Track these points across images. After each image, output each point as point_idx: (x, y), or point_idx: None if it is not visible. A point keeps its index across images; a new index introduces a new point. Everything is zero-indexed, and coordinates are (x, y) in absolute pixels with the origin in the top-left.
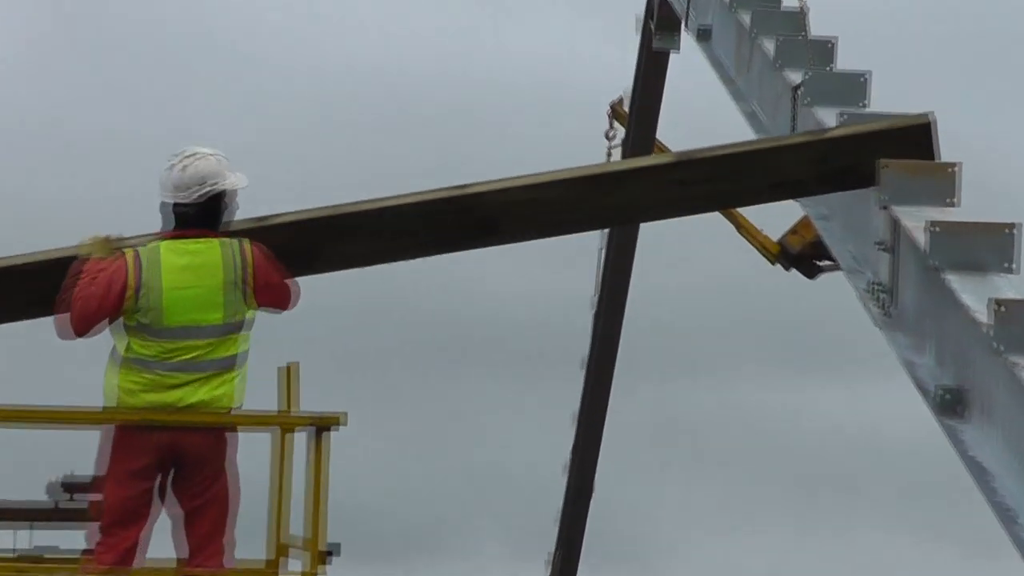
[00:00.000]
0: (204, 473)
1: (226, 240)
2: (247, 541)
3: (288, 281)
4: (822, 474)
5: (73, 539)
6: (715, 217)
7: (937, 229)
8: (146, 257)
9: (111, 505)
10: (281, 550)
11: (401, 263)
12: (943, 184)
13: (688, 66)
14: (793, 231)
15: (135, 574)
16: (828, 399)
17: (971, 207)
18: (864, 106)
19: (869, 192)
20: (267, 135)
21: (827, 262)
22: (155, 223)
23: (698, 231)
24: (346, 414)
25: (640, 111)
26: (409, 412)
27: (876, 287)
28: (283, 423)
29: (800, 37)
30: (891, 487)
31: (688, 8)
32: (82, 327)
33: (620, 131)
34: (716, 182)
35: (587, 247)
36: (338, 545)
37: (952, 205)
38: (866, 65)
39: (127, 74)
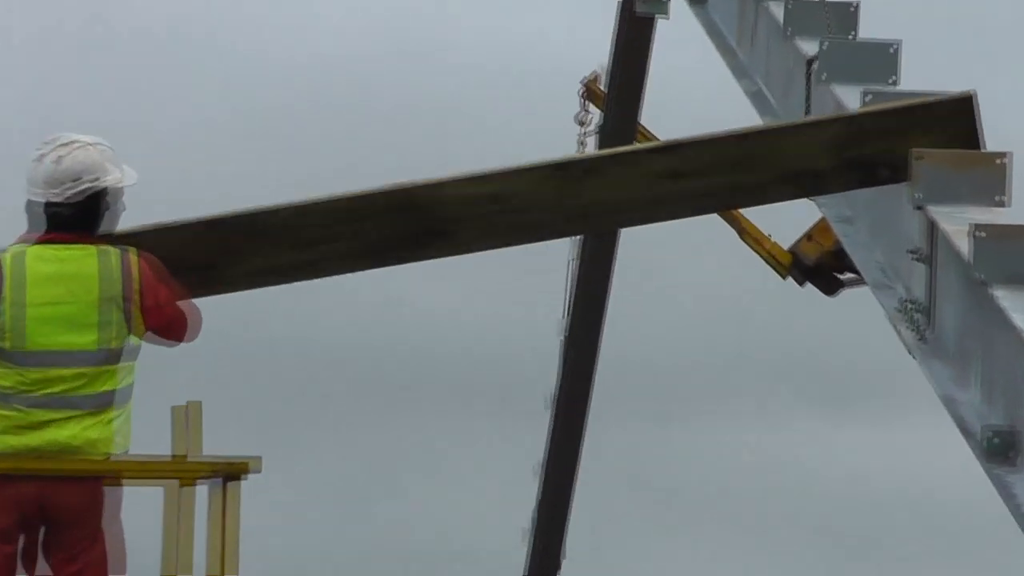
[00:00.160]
0: (79, 533)
1: (106, 248)
2: None
3: (185, 304)
4: (843, 533)
5: None
6: (713, 221)
7: (983, 234)
8: (10, 265)
9: None
10: None
11: (326, 279)
12: (991, 178)
13: (679, 35)
14: (808, 237)
15: None
16: (851, 443)
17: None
18: (893, 83)
19: (900, 189)
20: (191, 129)
21: (849, 275)
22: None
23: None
24: (260, 459)
25: (620, 90)
26: (332, 462)
27: (909, 305)
28: (181, 472)
29: None
30: (926, 548)
31: None
32: None
33: (596, 115)
34: (713, 176)
35: (555, 258)
36: None
37: (1001, 204)
38: (896, 33)
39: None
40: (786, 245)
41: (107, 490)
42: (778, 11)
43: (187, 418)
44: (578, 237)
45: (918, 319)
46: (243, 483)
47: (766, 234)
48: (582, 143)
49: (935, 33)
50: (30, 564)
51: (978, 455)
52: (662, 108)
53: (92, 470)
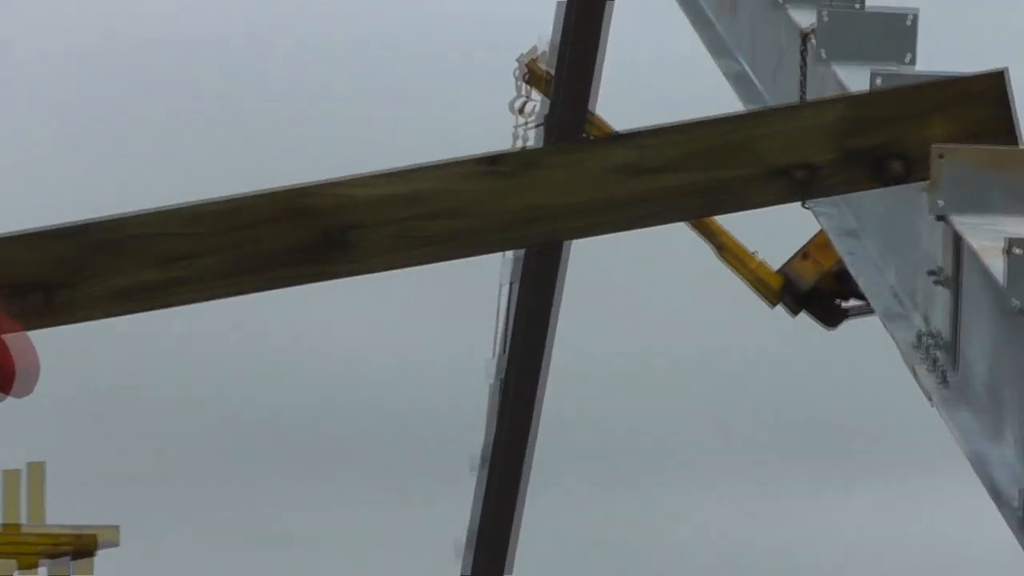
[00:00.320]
0: None
1: None
2: None
3: (15, 342)
4: None
5: None
6: (684, 234)
7: (1021, 251)
8: None
9: None
10: None
11: (200, 305)
12: None
13: (642, 5)
14: (804, 255)
15: None
16: (857, 510)
17: None
18: (910, 62)
19: (918, 193)
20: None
21: (854, 302)
22: None
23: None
24: (117, 530)
25: (569, 72)
26: (206, 535)
27: (929, 340)
28: (16, 547)
29: None
30: None
31: None
32: None
33: (539, 102)
34: (685, 174)
35: (486, 281)
36: None
37: None
38: (913, 1)
39: None
40: (776, 265)
41: None
42: None
43: (26, 482)
44: (515, 254)
45: (940, 357)
46: (95, 560)
47: (751, 251)
48: (521, 137)
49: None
50: None
51: (1013, 525)
52: (622, 95)
53: None
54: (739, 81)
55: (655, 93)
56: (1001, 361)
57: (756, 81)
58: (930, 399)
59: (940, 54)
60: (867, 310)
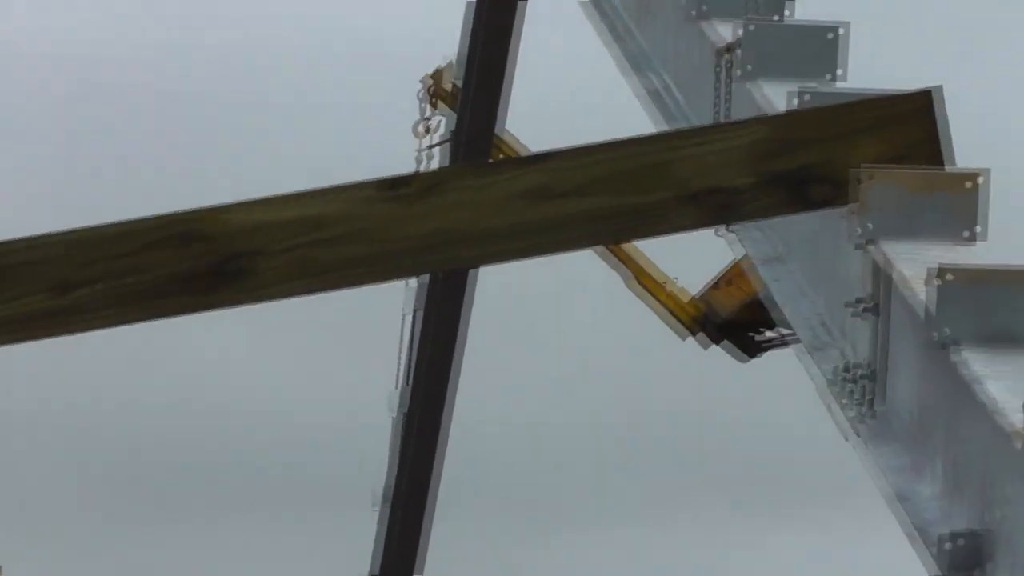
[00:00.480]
0: None
1: None
2: None
3: None
4: None
5: None
6: (593, 261)
7: (949, 278)
8: None
9: None
10: None
11: (81, 335)
12: (959, 206)
13: (556, 18)
14: (727, 281)
15: None
16: (773, 554)
17: (1001, 241)
18: (835, 79)
19: (841, 218)
20: None
21: (774, 333)
22: None
23: (567, 284)
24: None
25: (476, 89)
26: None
27: (850, 373)
28: None
29: None
30: None
31: None
32: None
33: (445, 120)
34: (596, 198)
35: (387, 311)
36: None
37: (973, 240)
38: (840, 13)
39: None
40: (693, 292)
41: None
42: None
43: None
44: (420, 281)
45: (862, 390)
46: None
47: (668, 278)
48: (424, 158)
49: (897, 14)
50: None
51: (935, 567)
52: (533, 113)
53: None
54: (655, 99)
55: (573, 110)
56: (928, 393)
57: (674, 99)
58: (846, 436)
59: (873, 70)
60: (789, 341)
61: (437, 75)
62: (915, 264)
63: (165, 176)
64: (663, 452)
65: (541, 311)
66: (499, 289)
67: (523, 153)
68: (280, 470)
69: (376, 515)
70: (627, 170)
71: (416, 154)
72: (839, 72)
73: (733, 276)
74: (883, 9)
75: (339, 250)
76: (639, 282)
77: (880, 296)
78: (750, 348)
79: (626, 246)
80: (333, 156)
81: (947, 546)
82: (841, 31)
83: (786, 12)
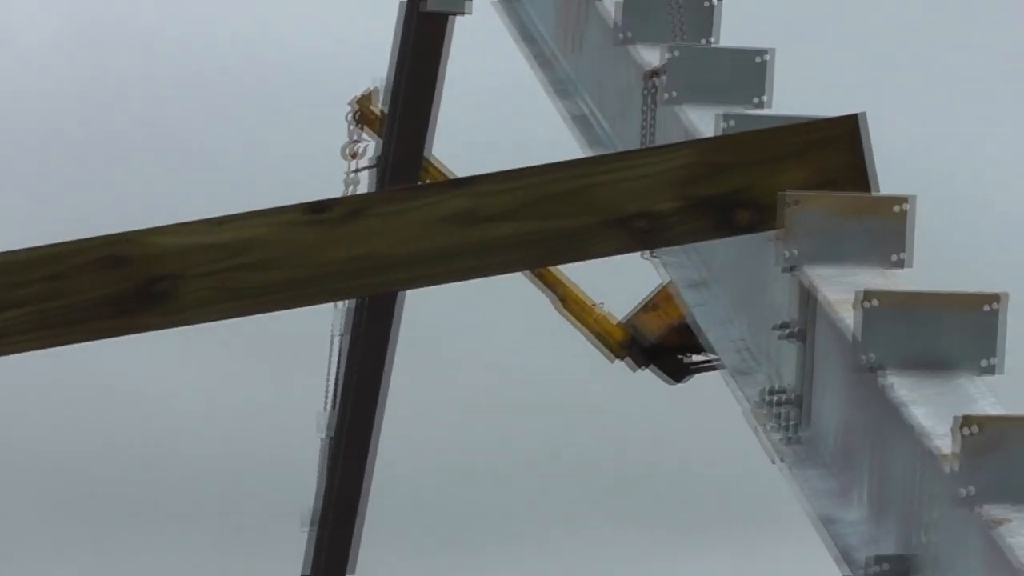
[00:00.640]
0: None
1: None
2: None
3: None
4: None
5: None
6: (523, 284)
7: (875, 303)
8: None
9: None
10: None
11: (4, 358)
12: (886, 231)
13: (483, 40)
14: (652, 306)
15: None
16: None
17: (926, 263)
18: (761, 104)
19: (767, 243)
20: None
21: (701, 357)
22: None
23: (494, 308)
24: None
25: (403, 113)
26: None
27: (775, 397)
28: None
29: None
30: None
31: None
32: None
33: (372, 145)
34: (522, 223)
35: (316, 333)
36: None
37: (900, 265)
38: (767, 39)
39: None
40: (620, 316)
41: None
42: (611, 7)
43: None
44: (348, 304)
45: (787, 415)
46: None
47: (594, 302)
48: (352, 183)
49: (822, 40)
50: None
51: None
52: (460, 137)
53: None
54: (581, 124)
55: (500, 133)
56: (853, 418)
57: (598, 125)
58: (772, 460)
59: (799, 95)
60: (715, 365)
61: (364, 100)
62: (842, 288)
63: (94, 197)
64: (591, 476)
65: (473, 335)
66: (430, 310)
67: (450, 177)
68: (211, 488)
69: (305, 536)
70: (554, 194)
71: (344, 176)
72: (765, 98)
73: (660, 300)
74: (807, 34)
75: (261, 275)
76: (566, 306)
77: (806, 320)
78: (678, 372)
79: (553, 270)
80: (264, 177)
81: (873, 570)
82: (768, 56)
83: (711, 38)
